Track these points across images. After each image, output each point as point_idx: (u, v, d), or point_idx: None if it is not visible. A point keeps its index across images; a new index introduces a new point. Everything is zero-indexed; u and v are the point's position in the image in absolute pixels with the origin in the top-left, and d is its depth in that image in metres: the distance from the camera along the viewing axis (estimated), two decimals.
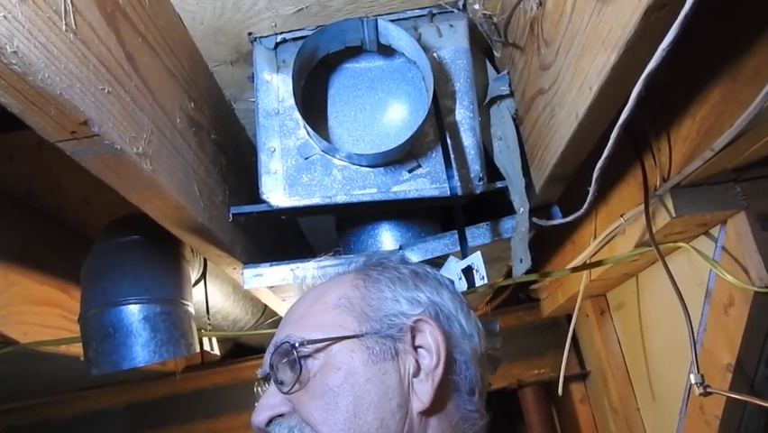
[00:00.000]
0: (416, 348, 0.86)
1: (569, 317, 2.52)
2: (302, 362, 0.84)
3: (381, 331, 0.85)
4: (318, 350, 0.84)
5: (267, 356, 0.90)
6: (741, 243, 1.47)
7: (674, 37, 0.58)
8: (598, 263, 1.84)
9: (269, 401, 0.86)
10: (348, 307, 0.89)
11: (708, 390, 1.33)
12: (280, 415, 0.85)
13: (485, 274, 0.99)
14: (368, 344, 0.84)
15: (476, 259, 1.00)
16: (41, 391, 2.70)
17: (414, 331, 0.86)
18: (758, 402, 1.35)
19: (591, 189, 0.96)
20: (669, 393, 2.07)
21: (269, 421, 0.85)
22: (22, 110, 0.73)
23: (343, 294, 0.91)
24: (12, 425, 2.82)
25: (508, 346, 2.81)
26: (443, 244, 1.37)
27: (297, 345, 0.84)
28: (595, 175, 0.91)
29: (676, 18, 0.65)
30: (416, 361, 0.85)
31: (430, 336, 0.86)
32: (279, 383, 0.84)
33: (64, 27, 0.76)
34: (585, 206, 1.05)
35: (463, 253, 1.12)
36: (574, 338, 2.68)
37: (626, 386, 2.42)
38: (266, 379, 0.92)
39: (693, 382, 1.35)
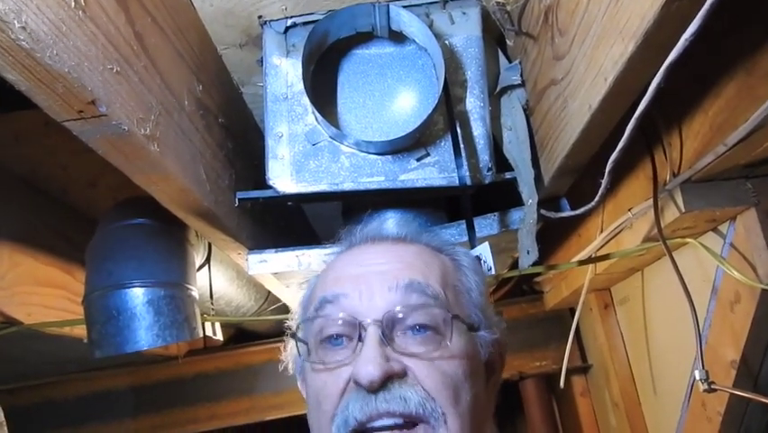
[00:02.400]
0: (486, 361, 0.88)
1: (572, 310, 2.51)
2: (453, 332, 0.78)
3: (487, 337, 0.86)
4: (455, 330, 0.80)
5: (382, 302, 0.79)
6: (750, 239, 1.46)
7: (698, 27, 0.56)
8: (605, 257, 1.83)
9: (381, 356, 0.75)
10: (467, 297, 0.88)
11: (713, 386, 1.32)
12: (395, 375, 0.75)
13: (492, 265, 0.99)
14: (480, 342, 0.85)
15: (484, 249, 1.00)
16: (44, 372, 2.71)
17: (494, 346, 0.88)
18: (762, 400, 1.34)
19: (603, 182, 0.95)
20: (671, 389, 2.06)
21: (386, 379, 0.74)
22: (30, 87, 0.73)
23: (460, 281, 0.89)
24: (15, 404, 2.83)
25: (511, 338, 2.79)
26: (450, 234, 1.36)
27: (452, 316, 0.79)
28: (608, 167, 0.90)
29: (697, 8, 0.63)
30: (485, 371, 0.87)
31: (500, 357, 0.91)
32: (408, 342, 0.77)
33: (73, 4, 0.75)
34: (596, 198, 1.04)
35: (471, 244, 1.12)
36: (577, 331, 2.67)
37: (628, 380, 2.42)
38: (348, 325, 0.80)
39: (698, 378, 1.34)
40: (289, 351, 0.95)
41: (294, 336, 0.86)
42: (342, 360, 0.78)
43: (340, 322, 0.80)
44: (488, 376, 0.87)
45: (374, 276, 0.82)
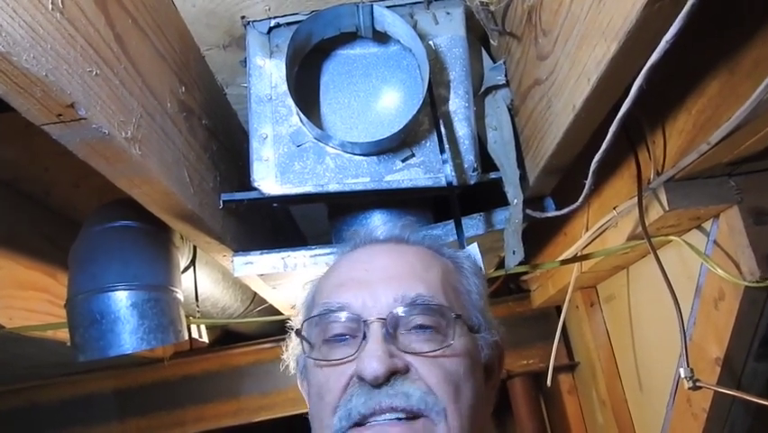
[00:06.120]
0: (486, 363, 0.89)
1: (558, 309, 2.52)
2: (455, 332, 0.80)
3: (487, 338, 0.89)
4: (458, 331, 0.81)
5: (386, 305, 0.80)
6: (733, 237, 1.47)
7: (679, 29, 0.57)
8: (590, 256, 1.83)
9: (385, 352, 0.76)
10: (467, 298, 0.89)
11: (698, 384, 1.33)
12: (398, 371, 0.76)
13: (482, 266, 0.99)
14: (481, 343, 0.87)
15: (473, 250, 1.00)
16: (27, 376, 2.68)
17: (493, 348, 0.90)
18: (746, 397, 1.35)
19: (588, 182, 0.95)
20: (657, 386, 2.08)
21: (389, 375, 0.75)
22: (6, 92, 0.71)
23: (461, 282, 0.91)
24: None
25: None
26: (436, 234, 1.36)
27: (455, 315, 0.81)
28: (592, 168, 0.90)
29: (678, 9, 0.63)
30: (484, 373, 0.88)
31: (499, 360, 0.92)
32: (415, 340, 0.79)
33: (50, 6, 0.74)
34: (581, 198, 1.04)
35: (460, 244, 1.12)
36: (563, 329, 2.68)
37: (615, 378, 2.43)
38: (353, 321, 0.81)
39: (683, 375, 1.35)
40: (291, 350, 0.96)
41: (298, 332, 0.87)
42: (346, 357, 0.79)
43: (344, 320, 0.81)
44: (486, 378, 0.88)
45: (379, 283, 0.83)
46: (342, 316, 0.81)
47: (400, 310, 0.79)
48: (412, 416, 0.74)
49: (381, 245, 0.93)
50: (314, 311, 0.86)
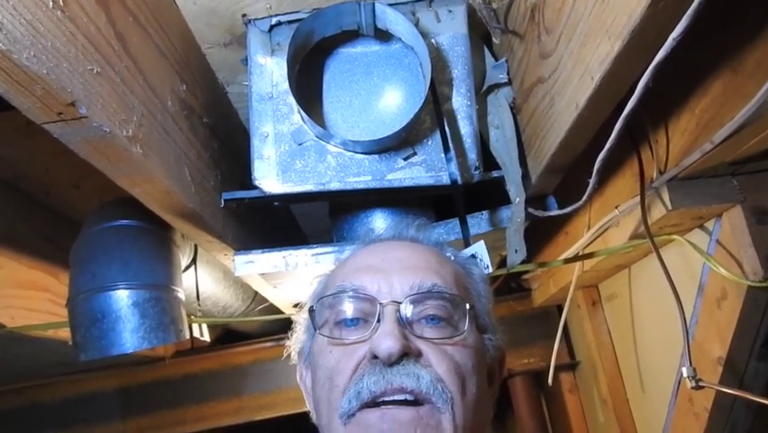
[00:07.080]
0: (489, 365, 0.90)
1: (560, 307, 2.52)
2: (467, 324, 0.81)
3: (493, 340, 0.90)
4: (470, 322, 0.82)
5: (401, 291, 0.81)
6: (736, 236, 1.46)
7: (686, 26, 0.56)
8: (592, 255, 1.83)
9: (400, 332, 0.77)
10: (477, 300, 0.90)
11: (700, 383, 1.32)
12: (411, 353, 0.77)
13: (489, 263, 0.99)
14: (487, 344, 0.88)
15: (480, 248, 1.00)
16: (29, 375, 2.68)
17: (497, 351, 0.91)
18: (749, 397, 1.34)
19: (591, 181, 0.95)
20: (658, 385, 2.07)
21: (402, 355, 0.75)
22: (7, 90, 0.71)
23: (471, 285, 0.92)
24: (0, 408, 2.80)
25: None
26: (438, 233, 1.36)
27: (469, 307, 0.82)
28: (596, 166, 0.89)
29: (683, 7, 0.63)
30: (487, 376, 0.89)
31: (500, 365, 0.93)
32: (426, 327, 0.80)
33: (51, 4, 0.73)
34: (585, 197, 1.04)
35: (466, 242, 1.11)
36: (565, 328, 2.67)
37: (616, 377, 2.42)
38: (367, 300, 0.82)
39: (685, 375, 1.34)
40: (295, 338, 0.96)
41: (311, 310, 0.87)
42: (359, 337, 0.79)
43: (358, 301, 0.82)
44: (489, 382, 0.88)
45: (395, 271, 0.84)
46: (357, 297, 0.82)
47: (415, 298, 0.80)
48: (420, 401, 0.74)
49: (397, 241, 0.94)
50: (327, 293, 0.87)
